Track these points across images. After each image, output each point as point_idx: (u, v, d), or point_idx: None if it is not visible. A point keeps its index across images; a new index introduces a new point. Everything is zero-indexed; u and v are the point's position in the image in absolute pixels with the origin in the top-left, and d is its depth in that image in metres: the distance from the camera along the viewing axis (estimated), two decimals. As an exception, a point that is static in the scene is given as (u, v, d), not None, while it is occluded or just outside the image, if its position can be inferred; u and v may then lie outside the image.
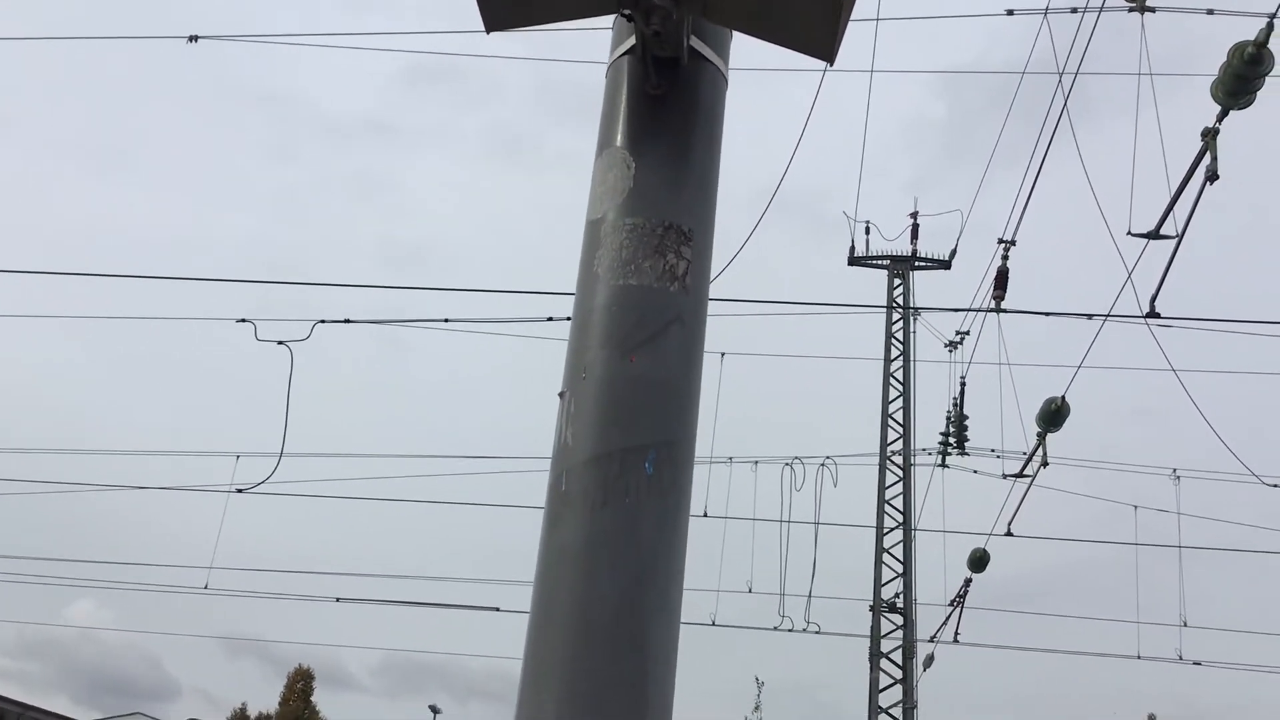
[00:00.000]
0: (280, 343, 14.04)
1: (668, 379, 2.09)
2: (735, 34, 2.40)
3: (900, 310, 22.02)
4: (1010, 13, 13.19)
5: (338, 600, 20.47)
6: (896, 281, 22.45)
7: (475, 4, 2.17)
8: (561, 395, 2.13)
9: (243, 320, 14.20)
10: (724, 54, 2.39)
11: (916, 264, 22.40)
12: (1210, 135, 9.09)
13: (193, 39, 12.59)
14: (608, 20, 2.38)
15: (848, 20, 2.13)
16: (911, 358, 21.62)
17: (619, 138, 2.26)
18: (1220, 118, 8.86)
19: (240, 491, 16.82)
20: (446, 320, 14.93)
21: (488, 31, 2.20)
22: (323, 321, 14.19)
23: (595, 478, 2.01)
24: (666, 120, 2.26)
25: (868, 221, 22.50)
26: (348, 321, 14.81)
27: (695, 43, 2.29)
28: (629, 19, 2.19)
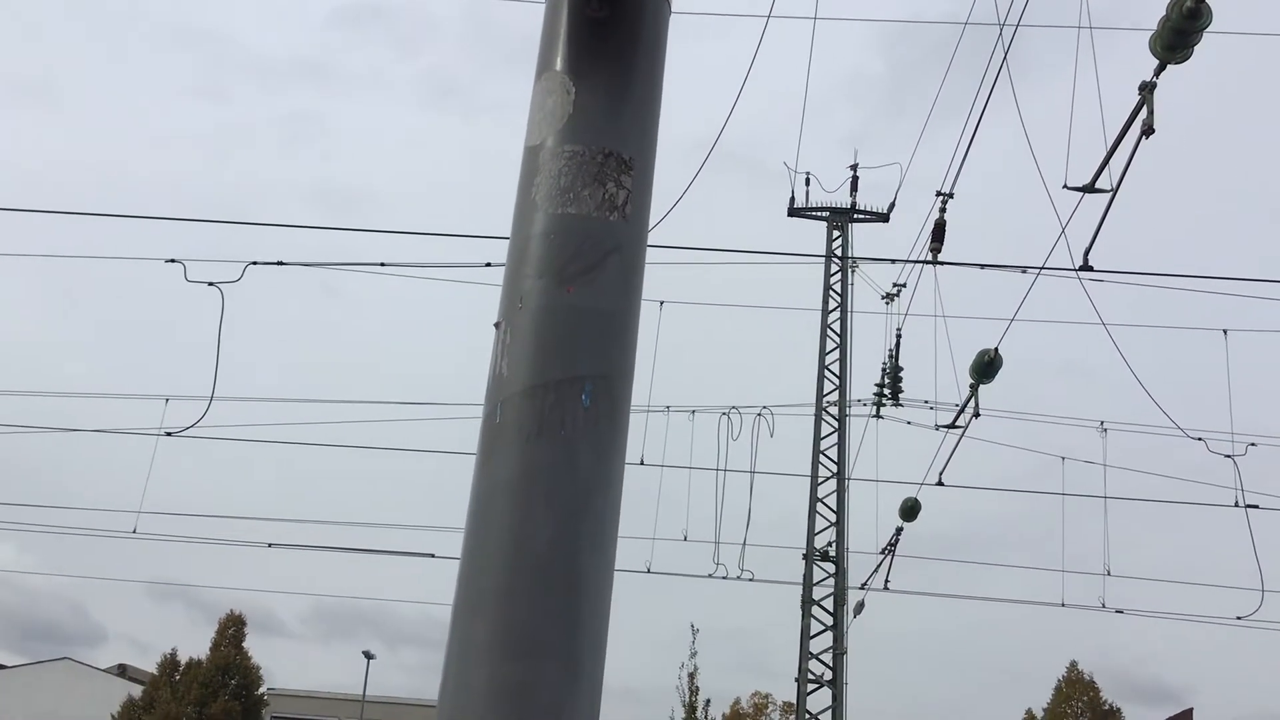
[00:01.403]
0: (211, 284, 13.78)
1: (606, 310, 2.05)
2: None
3: (839, 261, 22.12)
4: (953, -37, 13.15)
5: (269, 546, 20.32)
6: (835, 233, 22.52)
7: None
8: (497, 325, 2.08)
9: (172, 260, 13.91)
10: (667, -23, 2.32)
11: (855, 216, 22.48)
12: (1147, 90, 9.14)
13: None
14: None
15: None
16: (849, 309, 21.77)
17: (559, 61, 2.19)
18: (1157, 72, 8.92)
19: (169, 435, 16.56)
20: (382, 265, 14.73)
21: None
22: (255, 263, 13.93)
23: (530, 409, 1.96)
24: (607, 44, 2.19)
25: (808, 173, 22.53)
26: (280, 264, 14.55)
27: (638, -35, 2.22)
28: (570, -63, 2.11)
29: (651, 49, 2.25)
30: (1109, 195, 10.08)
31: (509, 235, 2.14)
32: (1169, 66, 8.98)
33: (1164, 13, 8.60)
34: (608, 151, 2.12)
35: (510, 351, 2.02)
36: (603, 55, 2.18)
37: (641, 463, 18.76)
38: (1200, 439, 16.66)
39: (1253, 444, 17.02)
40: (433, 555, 18.91)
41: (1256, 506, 16.74)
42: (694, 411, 19.75)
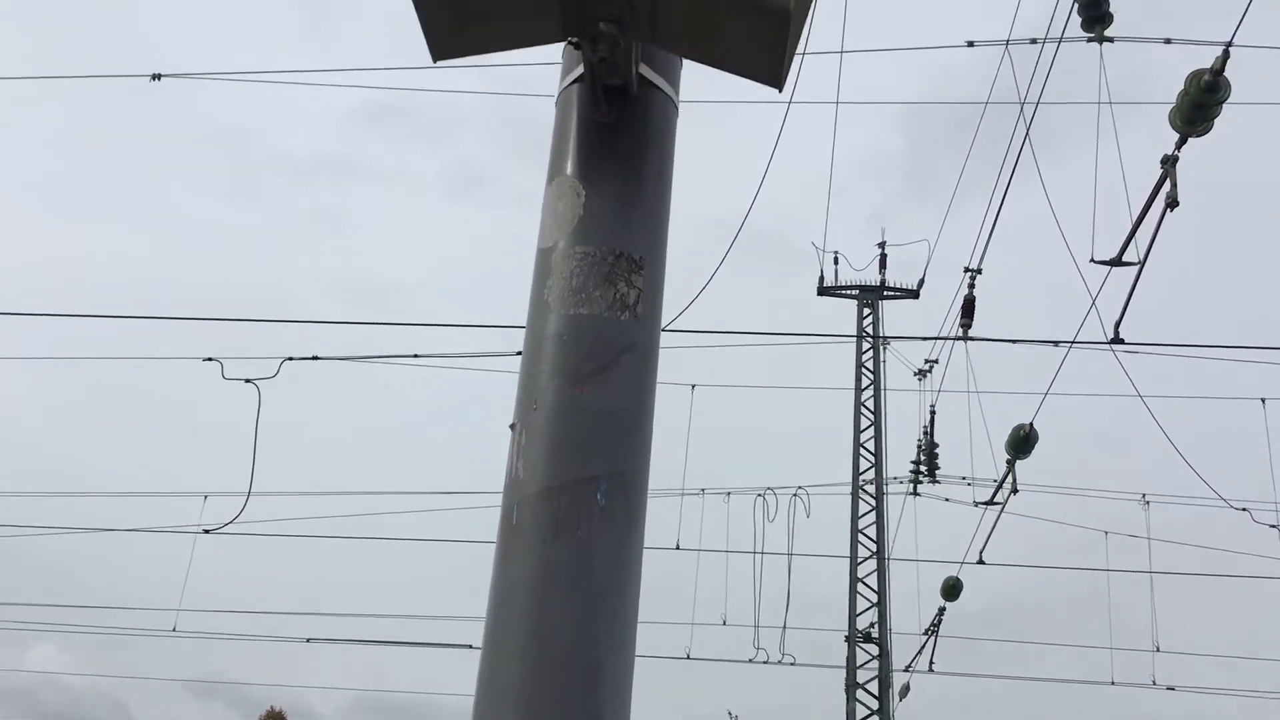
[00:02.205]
0: (248, 380, 13.95)
1: (619, 409, 2.07)
2: (688, 62, 2.39)
3: (870, 339, 22.11)
4: (971, 44, 13.34)
5: (308, 641, 20.24)
6: (866, 311, 22.54)
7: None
8: (512, 427, 2.10)
9: (209, 359, 14.10)
10: (674, 81, 2.38)
11: (885, 293, 22.51)
12: (1170, 163, 9.19)
13: (155, 77, 12.55)
14: (558, 49, 2.37)
15: (795, 47, 2.12)
16: (882, 387, 21.69)
17: (569, 166, 2.25)
18: (1179, 145, 8.96)
19: (208, 532, 16.63)
20: (416, 355, 14.87)
21: (434, 60, 2.18)
22: (290, 359, 14.10)
23: (546, 510, 1.98)
24: (616, 148, 2.24)
25: (836, 252, 22.64)
26: (315, 358, 14.72)
27: (645, 70, 2.28)
28: (576, 47, 2.18)
29: (659, 150, 2.29)
30: (1137, 268, 10.07)
31: (523, 336, 2.18)
32: (1190, 139, 9.02)
33: (1183, 86, 8.67)
34: (618, 252, 2.16)
35: (526, 453, 2.04)
36: (612, 158, 2.23)
37: (677, 547, 18.65)
38: (1244, 509, 16.39)
39: (1299, 513, 16.70)
40: (469, 646, 18.79)
41: (1306, 577, 16.37)
42: (729, 493, 19.67)
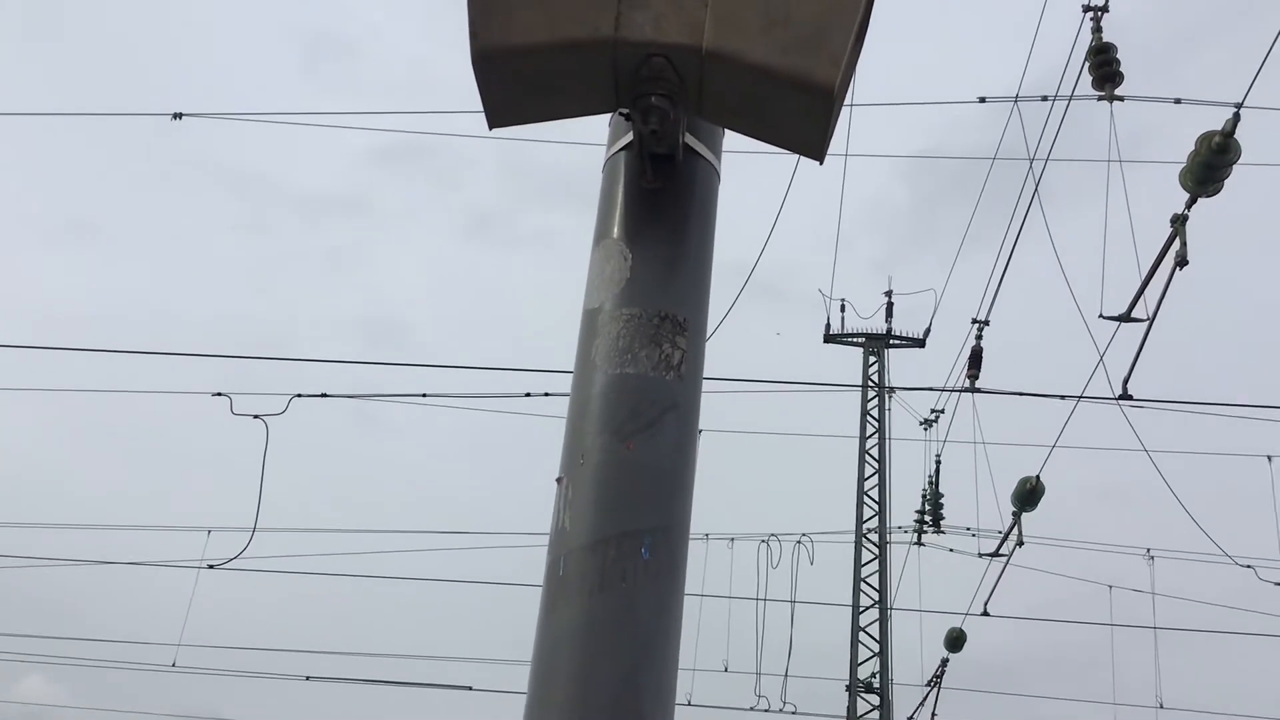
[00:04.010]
0: (256, 416, 14.02)
1: (663, 465, 2.14)
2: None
3: (875, 388, 22.17)
4: (983, 100, 13.50)
5: (307, 679, 20.17)
6: (872, 359, 22.62)
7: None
8: (559, 481, 2.18)
9: (218, 394, 14.18)
10: (716, 149, 2.48)
11: (892, 342, 22.61)
12: (1179, 222, 9.31)
13: (177, 116, 12.72)
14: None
15: (837, 122, 2.22)
16: (887, 436, 21.73)
17: (616, 230, 2.34)
18: (1189, 205, 9.08)
19: (211, 567, 16.64)
20: (424, 395, 14.94)
21: (490, 127, 2.28)
22: (299, 395, 14.18)
23: (592, 562, 2.05)
24: (662, 214, 2.33)
25: (843, 299, 22.76)
26: (324, 396, 14.80)
27: (690, 139, 2.38)
28: (627, 118, 2.27)
29: (702, 215, 2.39)
30: (1145, 324, 10.16)
31: (569, 393, 2.26)
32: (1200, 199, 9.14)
33: (1194, 147, 8.79)
34: (663, 314, 2.24)
35: (572, 505, 2.11)
36: (657, 223, 2.32)
37: (681, 593, 18.61)
38: (1250, 566, 16.38)
39: (1304, 571, 16.68)
40: (470, 688, 18.71)
41: (1312, 636, 16.33)
42: (733, 539, 19.66)
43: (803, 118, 2.17)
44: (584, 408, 2.20)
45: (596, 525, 2.08)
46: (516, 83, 2.21)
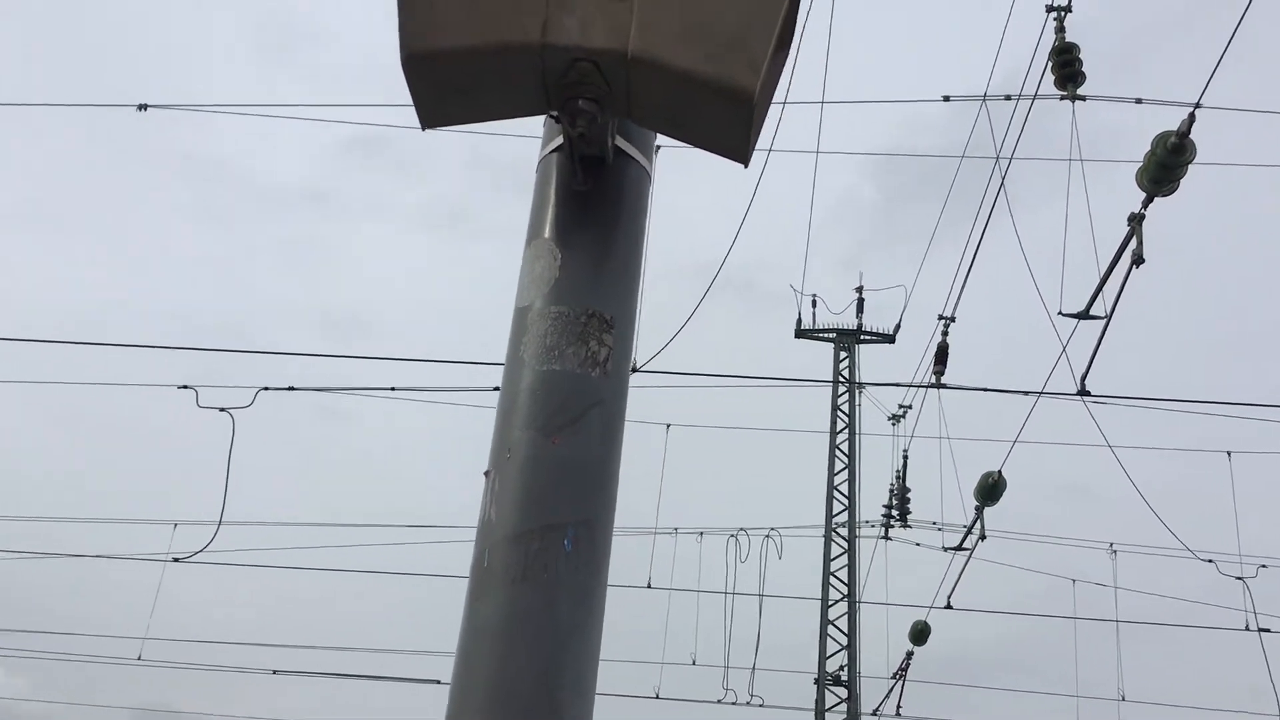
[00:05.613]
0: (222, 409, 13.98)
1: (588, 460, 2.20)
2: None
3: (846, 384, 22.30)
4: (947, 98, 13.60)
5: (274, 672, 20.14)
6: (842, 355, 22.75)
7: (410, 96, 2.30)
8: (487, 474, 2.23)
9: (184, 387, 14.14)
10: (648, 152, 2.53)
11: (862, 338, 22.74)
12: (1136, 221, 9.43)
13: (142, 108, 12.67)
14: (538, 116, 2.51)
15: (760, 128, 2.27)
16: (857, 431, 21.86)
17: (547, 230, 2.39)
18: (1145, 204, 9.21)
19: (177, 560, 16.60)
20: (392, 389, 14.95)
21: (423, 129, 2.32)
22: (266, 389, 14.16)
23: (516, 554, 2.10)
24: (591, 214, 2.39)
25: (814, 295, 22.88)
26: (291, 389, 14.78)
27: (620, 142, 2.43)
28: (557, 120, 2.32)
29: (632, 216, 2.44)
30: (1103, 321, 10.30)
31: (499, 389, 2.31)
32: (1156, 198, 9.27)
33: (1149, 148, 8.92)
34: (591, 312, 2.29)
35: (499, 499, 2.17)
36: (587, 224, 2.37)
37: (649, 586, 18.70)
38: (1210, 560, 16.60)
39: (1263, 565, 16.93)
40: (438, 681, 18.74)
41: (1269, 630, 16.58)
42: (702, 533, 19.75)
43: (725, 122, 2.23)
44: (512, 403, 2.25)
45: (521, 518, 2.13)
46: (447, 85, 2.25)
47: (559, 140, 2.42)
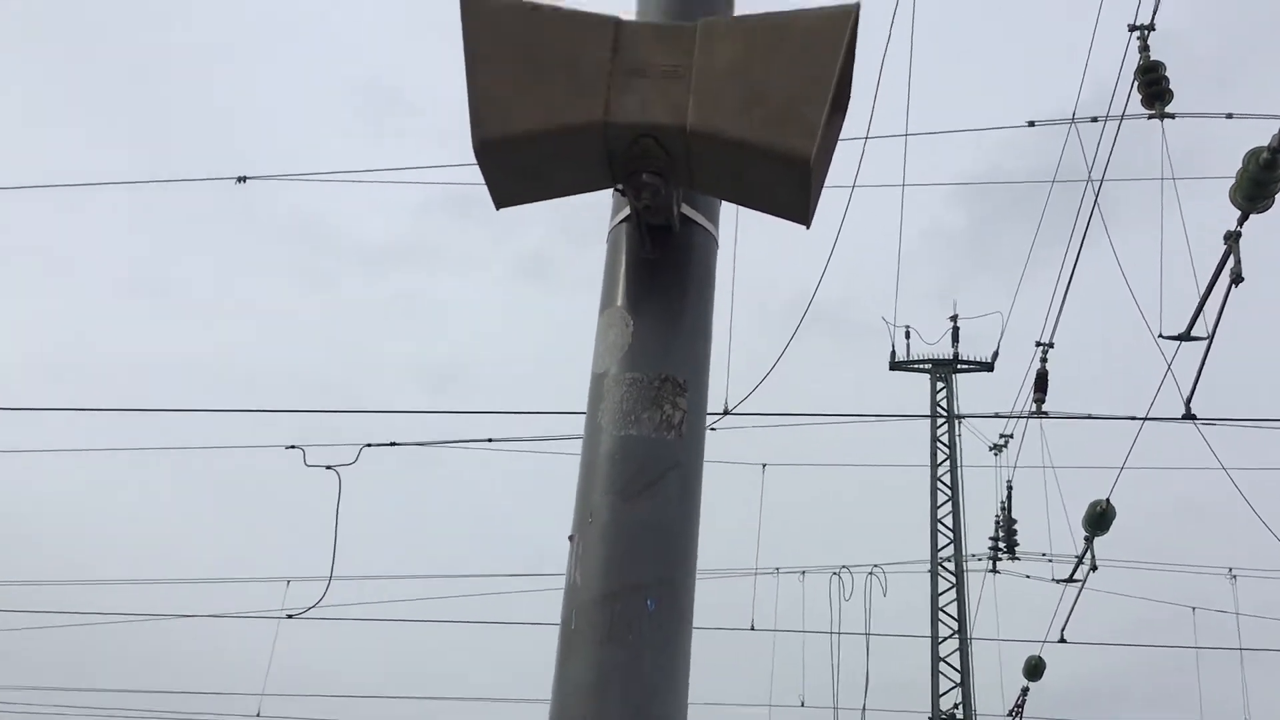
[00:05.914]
0: (329, 467, 14.34)
1: (667, 521, 2.27)
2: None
3: (945, 415, 22.02)
4: (1032, 124, 13.50)
5: (389, 724, 20.38)
6: (939, 385, 22.48)
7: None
8: (571, 539, 2.31)
9: (291, 447, 14.53)
10: (713, 217, 2.61)
11: (959, 367, 22.46)
12: (1232, 239, 9.24)
13: (241, 180, 13.16)
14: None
15: (820, 190, 2.34)
16: (958, 462, 21.56)
17: (618, 298, 2.47)
18: (1241, 221, 9.02)
19: (291, 617, 16.98)
20: (490, 440, 15.18)
21: (497, 208, 2.44)
22: (369, 445, 14.48)
23: (602, 615, 2.17)
24: (660, 281, 2.47)
25: (908, 326, 22.69)
26: (394, 444, 15.09)
27: (686, 209, 2.51)
28: (623, 194, 2.41)
29: (700, 281, 2.52)
30: (1206, 342, 10.07)
31: (580, 454, 2.39)
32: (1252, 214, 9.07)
33: (1241, 164, 8.75)
34: (664, 376, 2.37)
35: (583, 562, 2.24)
36: (656, 290, 2.46)
37: (752, 627, 18.60)
38: (1338, 583, 15.97)
39: (1395, 586, 16.25)
40: (549, 729, 18.81)
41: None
42: (804, 572, 19.60)
43: (785, 187, 2.30)
44: (592, 468, 2.33)
45: (604, 580, 2.20)
46: (517, 167, 2.36)
47: (626, 211, 2.51)
